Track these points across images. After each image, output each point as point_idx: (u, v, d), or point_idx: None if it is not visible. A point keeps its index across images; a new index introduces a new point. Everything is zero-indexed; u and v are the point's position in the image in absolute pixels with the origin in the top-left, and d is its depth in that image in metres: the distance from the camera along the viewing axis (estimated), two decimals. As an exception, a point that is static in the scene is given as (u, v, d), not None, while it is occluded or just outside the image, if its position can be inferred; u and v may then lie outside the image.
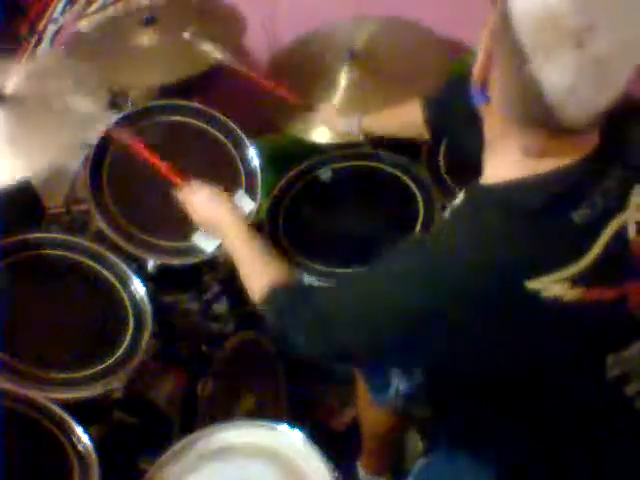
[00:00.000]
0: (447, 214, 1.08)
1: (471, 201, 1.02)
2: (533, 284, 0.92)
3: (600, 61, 0.84)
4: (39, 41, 2.02)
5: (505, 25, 0.87)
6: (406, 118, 1.57)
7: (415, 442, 1.84)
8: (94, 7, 1.97)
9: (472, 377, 1.04)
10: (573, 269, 0.93)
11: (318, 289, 1.41)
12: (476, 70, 0.97)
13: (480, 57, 0.95)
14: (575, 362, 0.99)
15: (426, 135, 1.54)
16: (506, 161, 0.98)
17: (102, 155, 1.63)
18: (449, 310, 0.95)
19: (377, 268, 1.13)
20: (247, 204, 1.67)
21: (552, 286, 0.92)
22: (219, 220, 1.37)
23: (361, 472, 1.79)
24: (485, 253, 0.94)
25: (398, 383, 1.45)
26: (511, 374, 1.00)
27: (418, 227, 1.74)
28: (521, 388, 1.02)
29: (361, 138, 1.67)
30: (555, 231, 0.94)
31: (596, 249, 0.94)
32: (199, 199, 1.41)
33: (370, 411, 1.61)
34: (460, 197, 1.06)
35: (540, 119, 0.90)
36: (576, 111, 0.87)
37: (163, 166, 1.50)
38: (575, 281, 0.93)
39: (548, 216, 0.93)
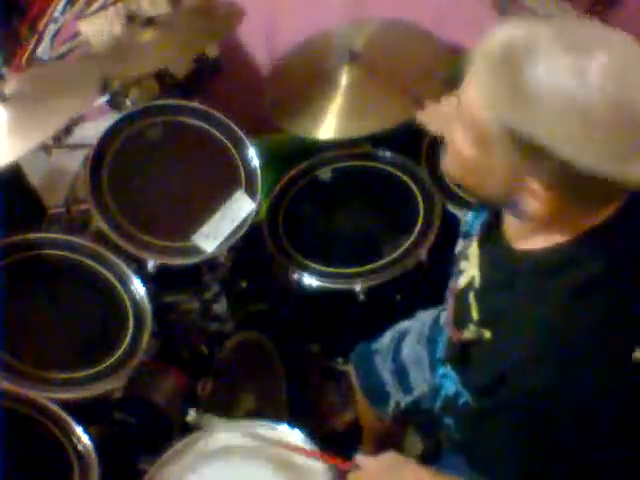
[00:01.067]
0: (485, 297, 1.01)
1: (517, 271, 0.95)
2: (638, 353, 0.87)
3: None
4: (39, 41, 2.02)
5: (535, 147, 0.81)
6: None
7: (415, 442, 1.84)
8: (94, 7, 1.97)
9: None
10: None
11: None
12: (520, 197, 0.89)
13: (530, 192, 0.87)
14: None
15: None
16: (542, 231, 0.93)
17: (102, 155, 1.63)
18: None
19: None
20: (247, 204, 1.67)
21: None
22: None
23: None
24: (575, 347, 0.88)
25: (398, 398, 1.44)
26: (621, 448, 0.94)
27: (418, 227, 1.74)
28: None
29: None
30: (632, 286, 0.89)
31: None
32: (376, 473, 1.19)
33: (368, 414, 1.60)
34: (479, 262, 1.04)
35: (604, 195, 0.87)
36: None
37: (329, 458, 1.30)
38: None
39: (616, 271, 0.88)
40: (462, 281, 1.09)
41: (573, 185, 0.84)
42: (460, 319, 1.04)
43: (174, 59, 1.83)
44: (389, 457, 1.17)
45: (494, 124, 0.84)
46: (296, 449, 1.29)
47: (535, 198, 0.87)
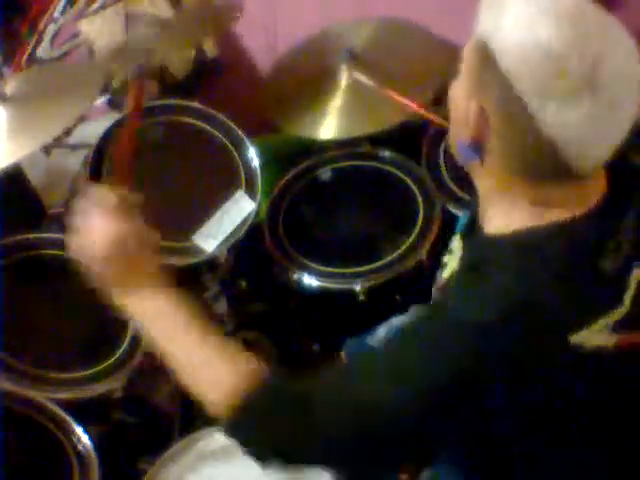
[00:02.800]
0: (456, 276, 0.99)
1: (484, 255, 0.93)
2: (576, 337, 0.86)
3: (612, 102, 0.80)
4: (39, 41, 2.02)
5: (497, 75, 0.82)
6: None
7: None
8: (94, 7, 1.97)
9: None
10: (613, 316, 0.88)
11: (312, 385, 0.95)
12: (465, 129, 0.89)
13: (471, 114, 0.88)
14: (616, 412, 0.94)
15: None
16: (510, 212, 0.92)
17: (102, 155, 1.63)
18: (483, 380, 0.86)
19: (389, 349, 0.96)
20: (247, 204, 1.67)
21: (594, 336, 0.87)
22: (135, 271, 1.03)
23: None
24: (522, 311, 0.86)
25: None
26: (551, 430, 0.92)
27: (418, 227, 1.74)
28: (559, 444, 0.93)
29: None
30: (585, 279, 0.88)
31: (629, 292, 0.89)
32: (104, 224, 0.98)
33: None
34: (460, 255, 1.02)
35: (551, 171, 0.86)
36: (591, 157, 0.84)
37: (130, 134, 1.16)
38: (615, 328, 0.88)
39: (573, 262, 0.88)
40: (444, 275, 1.09)
41: (508, 122, 0.84)
42: None
43: (174, 57, 1.83)
44: (140, 227, 1.03)
45: (473, 41, 0.86)
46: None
47: (473, 124, 0.87)
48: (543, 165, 0.86)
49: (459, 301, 0.89)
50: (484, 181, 0.96)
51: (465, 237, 1.08)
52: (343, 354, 1.57)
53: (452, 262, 1.08)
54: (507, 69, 0.81)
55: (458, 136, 0.92)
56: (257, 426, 0.93)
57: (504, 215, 0.94)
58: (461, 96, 0.90)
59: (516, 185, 0.90)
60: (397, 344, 0.94)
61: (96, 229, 0.99)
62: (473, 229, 1.05)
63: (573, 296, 0.88)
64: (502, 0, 0.84)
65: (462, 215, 1.23)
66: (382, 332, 1.52)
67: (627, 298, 0.90)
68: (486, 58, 0.83)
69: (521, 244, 0.90)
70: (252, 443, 0.95)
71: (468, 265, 0.97)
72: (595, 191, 0.92)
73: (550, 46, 0.79)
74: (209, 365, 0.97)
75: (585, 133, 0.81)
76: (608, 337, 0.89)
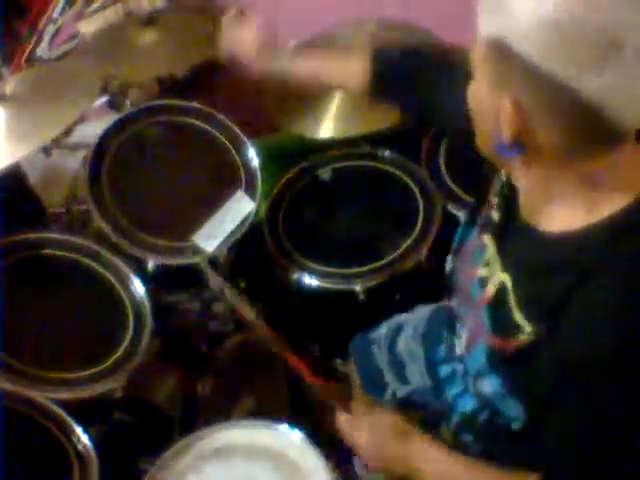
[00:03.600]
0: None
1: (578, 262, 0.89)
2: None
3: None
4: (39, 41, 2.02)
5: (520, 65, 0.81)
6: (344, 65, 1.37)
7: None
8: (94, 7, 1.97)
9: None
10: None
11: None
12: (501, 130, 0.87)
13: (504, 113, 0.86)
14: None
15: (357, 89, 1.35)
16: (571, 205, 0.91)
17: (102, 155, 1.63)
18: None
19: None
20: (247, 204, 1.67)
21: None
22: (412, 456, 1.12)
23: (361, 470, 1.79)
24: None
25: (395, 387, 1.44)
26: None
27: (418, 227, 1.74)
28: None
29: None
30: None
31: None
32: (378, 432, 1.15)
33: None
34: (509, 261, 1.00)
35: (606, 134, 0.84)
36: (637, 110, 0.82)
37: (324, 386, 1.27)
38: None
39: None
40: (490, 289, 1.04)
41: (545, 102, 0.84)
42: (505, 328, 0.99)
43: (175, 62, 1.83)
44: (393, 420, 1.14)
45: (483, 42, 0.86)
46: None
47: (510, 123, 0.86)
48: (593, 131, 0.84)
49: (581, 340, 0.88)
50: (531, 176, 0.94)
51: (502, 243, 1.04)
52: (349, 351, 1.58)
53: (495, 274, 1.03)
54: (529, 54, 0.80)
55: (494, 139, 0.90)
56: None
57: (562, 210, 0.92)
58: (485, 99, 0.89)
59: (568, 169, 0.89)
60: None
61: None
62: (509, 233, 1.03)
63: None
64: None
65: (461, 231, 1.20)
66: (384, 328, 1.52)
67: None
68: (503, 53, 0.83)
69: (614, 234, 0.87)
70: None
71: (538, 274, 0.94)
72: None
73: (564, 18, 0.78)
74: None
75: (624, 89, 0.80)
76: None
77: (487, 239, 1.07)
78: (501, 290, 1.01)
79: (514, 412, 1.06)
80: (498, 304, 1.01)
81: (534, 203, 0.97)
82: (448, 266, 1.19)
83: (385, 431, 1.14)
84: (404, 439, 1.13)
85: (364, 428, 1.16)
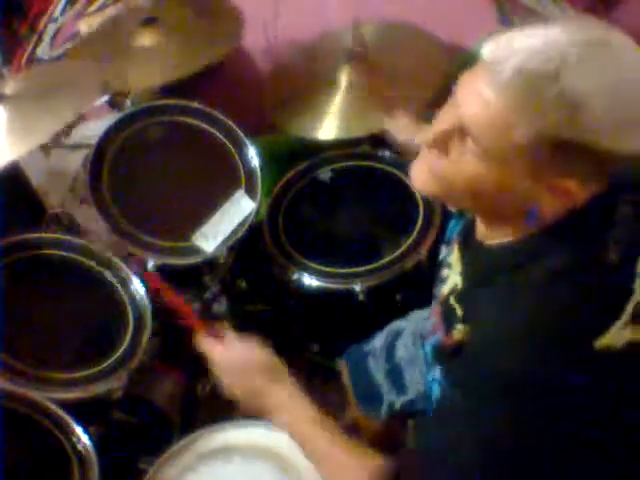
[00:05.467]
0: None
1: (499, 266, 0.96)
2: (601, 341, 0.87)
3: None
4: (39, 41, 2.02)
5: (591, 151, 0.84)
6: None
7: (413, 444, 1.84)
8: (94, 7, 1.97)
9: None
10: (629, 308, 0.89)
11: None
12: (542, 204, 0.91)
13: (556, 192, 0.89)
14: None
15: None
16: (511, 222, 0.95)
17: (102, 155, 1.63)
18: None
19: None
20: (247, 204, 1.67)
21: (620, 333, 0.88)
22: (269, 395, 1.09)
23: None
24: (543, 332, 0.89)
25: (392, 399, 1.44)
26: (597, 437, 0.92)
27: (418, 227, 1.74)
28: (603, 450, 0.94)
29: None
30: (596, 277, 0.90)
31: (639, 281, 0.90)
32: (234, 361, 1.12)
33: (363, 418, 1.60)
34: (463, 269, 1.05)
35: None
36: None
37: (186, 310, 1.23)
38: (635, 319, 0.89)
39: (581, 263, 0.89)
40: (445, 289, 1.09)
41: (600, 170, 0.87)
42: (447, 325, 1.04)
43: (175, 64, 1.83)
44: (266, 356, 1.10)
45: (524, 137, 0.84)
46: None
47: (566, 197, 0.88)
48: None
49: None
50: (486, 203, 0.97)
51: (464, 249, 1.09)
52: (343, 365, 1.58)
53: (452, 275, 1.08)
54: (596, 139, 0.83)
55: (525, 214, 0.92)
56: None
57: (505, 227, 0.96)
58: (512, 184, 0.89)
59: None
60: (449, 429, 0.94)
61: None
62: (469, 241, 1.06)
63: (592, 299, 0.89)
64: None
65: (452, 223, 1.22)
66: (380, 338, 1.52)
67: (637, 287, 0.90)
68: (566, 147, 0.84)
69: (535, 248, 0.92)
70: None
71: (480, 279, 0.99)
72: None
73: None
74: (339, 464, 1.02)
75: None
76: (634, 330, 0.89)
77: (456, 241, 1.11)
78: (452, 291, 1.06)
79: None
80: (448, 303, 1.05)
81: (487, 229, 1.01)
82: (440, 255, 1.20)
83: (255, 365, 1.09)
84: (270, 377, 1.08)
85: (229, 347, 1.12)
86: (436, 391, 1.17)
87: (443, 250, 1.19)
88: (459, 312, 1.02)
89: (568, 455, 0.91)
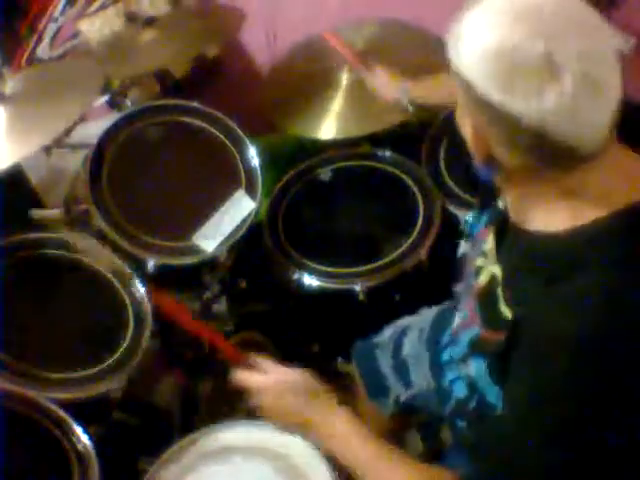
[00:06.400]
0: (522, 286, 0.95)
1: (551, 257, 0.92)
2: None
3: (583, 77, 0.82)
4: (39, 41, 2.02)
5: (474, 95, 0.87)
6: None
7: (415, 442, 1.84)
8: (94, 7, 1.97)
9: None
10: None
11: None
12: (473, 150, 0.95)
13: (469, 136, 0.94)
14: None
15: None
16: (552, 211, 0.94)
17: (102, 155, 1.63)
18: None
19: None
20: (247, 204, 1.67)
21: None
22: (320, 421, 1.10)
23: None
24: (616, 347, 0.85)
25: (398, 392, 1.44)
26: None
27: (418, 227, 1.74)
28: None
29: (410, 108, 1.63)
30: None
31: None
32: (276, 386, 1.13)
33: (368, 413, 1.60)
34: (502, 257, 1.02)
35: (557, 157, 0.88)
36: (587, 136, 0.85)
37: (218, 339, 1.24)
38: None
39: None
40: (482, 279, 1.07)
41: (497, 128, 0.88)
42: (491, 319, 1.02)
43: (174, 59, 1.83)
44: (302, 377, 1.11)
45: (452, 72, 0.91)
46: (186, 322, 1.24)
47: (476, 144, 0.93)
48: (547, 153, 0.87)
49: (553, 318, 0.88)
50: (513, 191, 0.99)
51: (500, 238, 1.07)
52: (352, 356, 1.58)
53: (489, 266, 1.06)
54: (477, 83, 0.86)
55: (474, 160, 0.96)
56: None
57: (546, 215, 0.95)
58: (460, 124, 0.95)
59: (544, 180, 0.92)
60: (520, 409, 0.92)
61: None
62: (505, 230, 1.05)
63: None
64: (460, 24, 0.91)
65: (464, 215, 1.22)
66: (388, 332, 1.52)
67: None
68: (463, 82, 0.88)
69: (591, 240, 0.90)
70: None
71: (522, 270, 0.96)
72: (634, 180, 0.92)
73: (505, 47, 0.83)
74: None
75: (567, 114, 0.83)
76: None
77: (490, 231, 1.10)
78: (492, 281, 1.04)
79: (499, 400, 1.06)
80: (488, 295, 1.03)
81: (518, 211, 1.00)
82: (460, 251, 1.20)
83: (291, 387, 1.11)
84: (310, 397, 1.10)
85: (268, 389, 1.12)
86: (460, 390, 1.17)
87: (463, 245, 1.19)
88: (503, 307, 0.98)
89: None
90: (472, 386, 1.14)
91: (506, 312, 0.97)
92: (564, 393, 0.87)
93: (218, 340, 1.23)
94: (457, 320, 1.21)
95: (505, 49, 0.83)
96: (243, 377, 1.14)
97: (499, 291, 1.00)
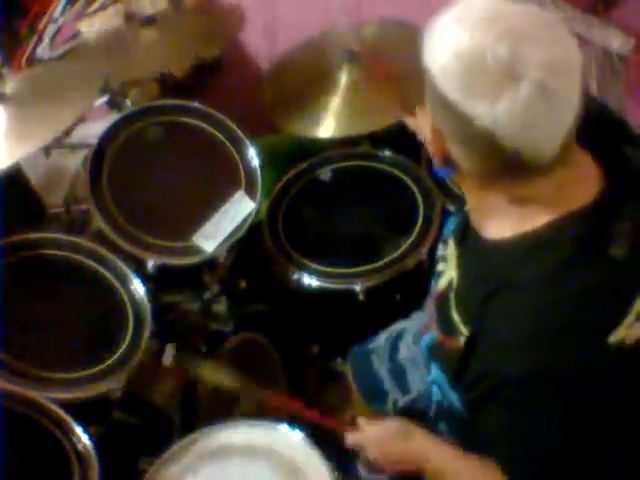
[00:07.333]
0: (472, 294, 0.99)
1: (498, 265, 0.95)
2: (614, 336, 0.88)
3: (541, 87, 0.82)
4: (39, 41, 2.02)
5: (436, 93, 0.88)
6: None
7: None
8: (94, 7, 1.97)
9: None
10: (638, 303, 0.90)
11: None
12: (431, 148, 0.97)
13: (429, 136, 0.95)
14: None
15: None
16: (504, 218, 0.95)
17: (102, 155, 1.63)
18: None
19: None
20: (247, 204, 1.67)
21: (632, 330, 0.89)
22: (417, 453, 1.15)
23: (362, 471, 1.79)
24: (554, 332, 0.89)
25: (396, 396, 1.44)
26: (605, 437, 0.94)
27: (418, 227, 1.74)
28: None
29: None
30: (602, 273, 0.90)
31: None
32: (381, 437, 1.21)
33: (366, 416, 1.60)
34: (460, 262, 1.04)
35: (506, 165, 0.88)
36: (541, 144, 0.86)
37: (327, 421, 1.35)
38: None
39: (585, 259, 0.89)
40: (442, 283, 1.09)
41: (454, 130, 0.90)
42: (445, 323, 1.04)
43: (175, 61, 1.83)
44: (395, 424, 1.19)
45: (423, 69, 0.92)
46: (294, 410, 1.35)
47: (433, 146, 0.95)
48: (498, 161, 0.88)
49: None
50: (472, 197, 1.00)
51: (461, 244, 1.08)
52: (347, 363, 1.58)
53: (449, 270, 1.08)
54: (438, 79, 0.87)
55: (433, 159, 0.99)
56: None
57: (497, 222, 0.96)
58: (421, 121, 0.99)
59: (494, 188, 0.94)
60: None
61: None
62: (466, 235, 1.06)
63: (599, 295, 0.90)
64: (435, 23, 0.91)
65: (450, 220, 1.23)
66: (383, 337, 1.52)
67: None
68: (428, 81, 0.90)
69: (533, 246, 0.92)
70: None
71: (474, 277, 0.99)
72: (588, 185, 0.93)
73: (466, 50, 0.84)
74: None
75: (517, 121, 0.84)
76: None
77: (453, 235, 1.12)
78: (449, 286, 1.06)
79: (458, 404, 1.08)
80: (444, 300, 1.05)
81: (476, 217, 1.02)
82: (438, 252, 1.20)
83: (389, 435, 1.18)
84: (406, 438, 1.15)
85: (372, 442, 1.21)
86: (436, 393, 1.17)
87: (440, 248, 1.20)
88: (455, 314, 1.01)
89: (585, 450, 0.92)
90: (439, 388, 1.15)
91: (457, 319, 0.99)
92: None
93: (329, 422, 1.33)
94: (422, 322, 1.22)
95: (470, 50, 0.84)
96: (352, 442, 1.24)
97: (452, 297, 1.03)
